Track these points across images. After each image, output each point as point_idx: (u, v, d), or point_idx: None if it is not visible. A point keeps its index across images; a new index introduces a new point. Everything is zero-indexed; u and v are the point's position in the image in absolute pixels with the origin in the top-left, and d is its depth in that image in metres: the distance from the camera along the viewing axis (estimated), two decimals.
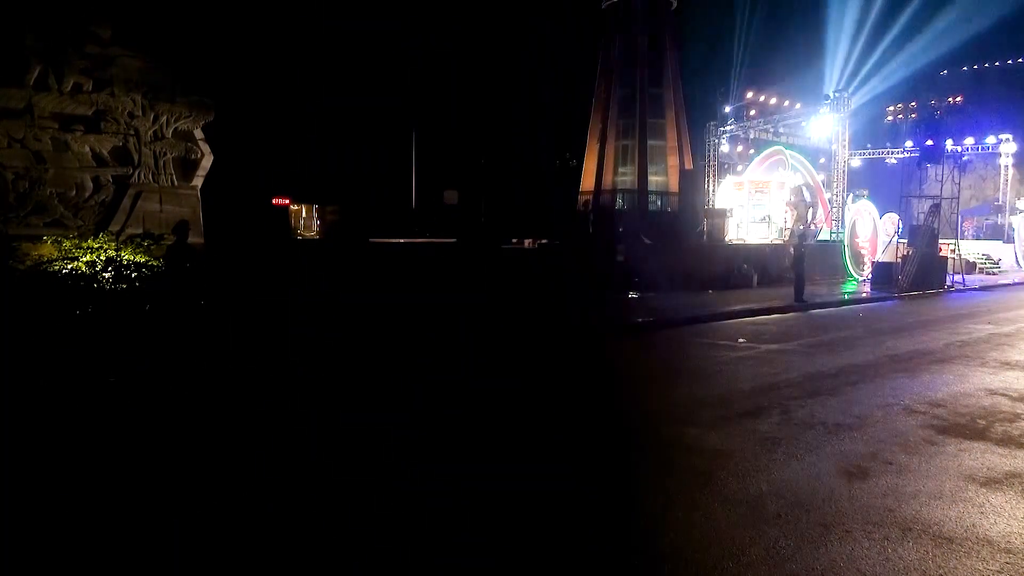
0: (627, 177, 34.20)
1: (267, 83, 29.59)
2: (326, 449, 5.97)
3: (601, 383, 9.01)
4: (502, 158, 39.09)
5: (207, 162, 14.53)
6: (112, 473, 5.32)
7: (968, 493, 4.98)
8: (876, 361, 10.17)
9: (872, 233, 26.05)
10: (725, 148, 36.73)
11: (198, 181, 14.51)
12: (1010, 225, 35.06)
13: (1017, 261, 33.37)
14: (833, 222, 30.49)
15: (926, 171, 26.74)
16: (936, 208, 23.10)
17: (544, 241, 23.24)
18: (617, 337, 12.64)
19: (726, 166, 36.47)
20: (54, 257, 11.44)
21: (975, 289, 23.77)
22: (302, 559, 3.98)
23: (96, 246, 11.82)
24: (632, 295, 17.90)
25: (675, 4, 34.21)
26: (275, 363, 9.20)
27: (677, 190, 31.83)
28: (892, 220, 26.78)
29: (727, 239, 26.30)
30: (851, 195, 30.78)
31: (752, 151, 36.85)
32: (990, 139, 34.48)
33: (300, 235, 30.66)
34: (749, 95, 37.24)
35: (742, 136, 36.78)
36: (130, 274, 11.15)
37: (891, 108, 56.54)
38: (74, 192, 12.87)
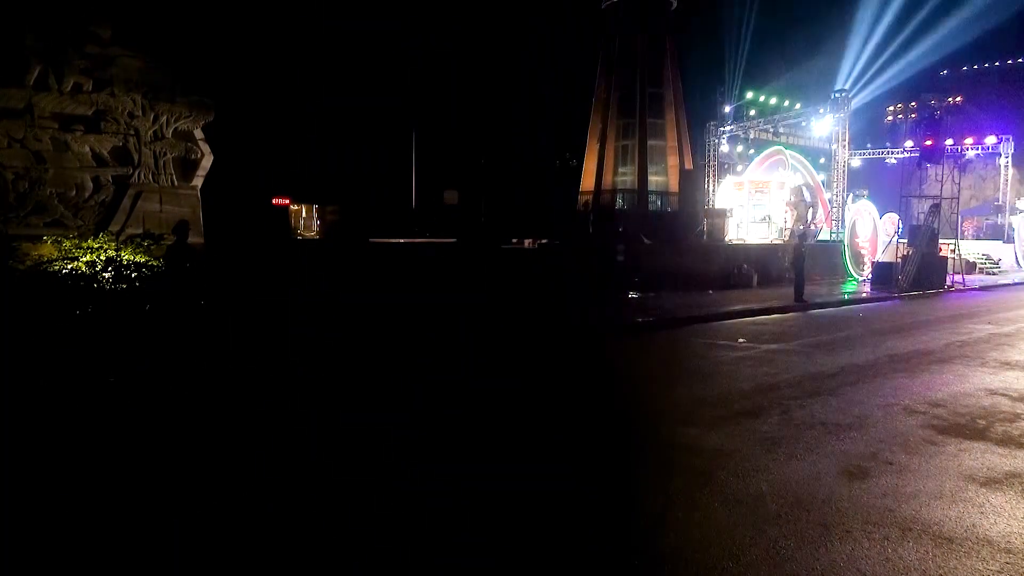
0: (627, 177, 34.18)
1: (267, 83, 29.60)
2: (326, 449, 5.97)
3: (601, 383, 9.01)
4: (502, 158, 39.10)
5: (207, 162, 14.54)
6: (112, 473, 5.32)
7: (968, 493, 4.98)
8: (876, 361, 10.17)
9: (872, 233, 26.06)
10: (725, 148, 36.74)
11: (198, 181, 14.51)
12: (1010, 225, 35.07)
13: (1017, 261, 33.37)
14: (833, 222, 30.51)
15: (926, 171, 26.75)
16: (936, 208, 23.10)
17: (544, 241, 23.24)
18: (617, 337, 12.64)
19: (726, 166, 36.49)
20: (54, 257, 11.44)
21: (975, 289, 23.77)
22: (302, 559, 3.98)
23: (96, 246, 11.83)
24: (632, 295, 17.89)
25: (675, 4, 34.19)
26: (275, 363, 9.20)
27: (677, 190, 31.82)
28: (892, 220, 26.78)
29: (727, 239, 26.30)
30: (851, 195, 30.81)
31: (752, 151, 36.87)
32: (990, 139, 34.48)
33: (300, 235, 30.66)
34: (749, 95, 37.22)
35: (742, 136, 36.79)
36: (130, 274, 11.15)
37: (891, 108, 56.57)
38: (74, 192, 12.88)
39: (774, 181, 29.25)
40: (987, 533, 4.33)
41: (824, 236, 29.97)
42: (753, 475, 5.27)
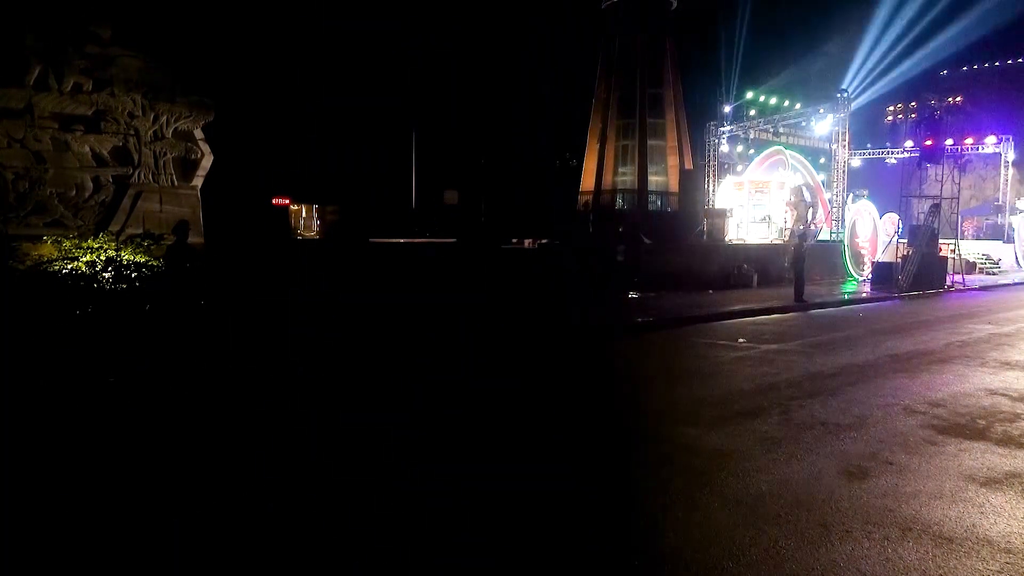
0: (627, 177, 34.19)
1: (267, 83, 29.61)
2: (326, 449, 5.97)
3: (601, 383, 9.01)
4: (502, 158, 39.10)
5: (207, 162, 14.54)
6: (112, 473, 5.32)
7: (968, 493, 4.98)
8: (876, 361, 10.17)
9: (872, 233, 26.06)
10: (725, 148, 36.72)
11: (198, 181, 14.51)
12: (1010, 225, 35.06)
13: (1017, 261, 33.37)
14: (833, 222, 30.50)
15: (926, 171, 26.73)
16: (936, 208, 23.09)
17: (544, 241, 23.24)
18: (617, 337, 12.64)
19: (726, 166, 36.47)
20: (54, 257, 11.44)
21: (975, 289, 23.77)
22: (302, 559, 3.98)
23: (96, 246, 11.83)
24: (632, 295, 17.89)
25: (675, 4, 34.20)
26: (275, 363, 9.21)
27: (677, 190, 31.84)
28: (892, 220, 26.78)
29: (727, 239, 26.29)
30: (851, 195, 30.78)
31: (752, 151, 36.85)
32: (990, 139, 34.47)
33: (300, 235, 30.67)
34: (749, 95, 37.19)
35: (742, 136, 36.77)
36: (130, 274, 11.15)
37: (891, 108, 56.53)
38: (74, 192, 12.88)
39: (774, 181, 29.24)
40: (987, 533, 4.33)
41: (824, 236, 29.96)
42: (753, 475, 5.27)
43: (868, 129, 46.74)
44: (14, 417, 6.49)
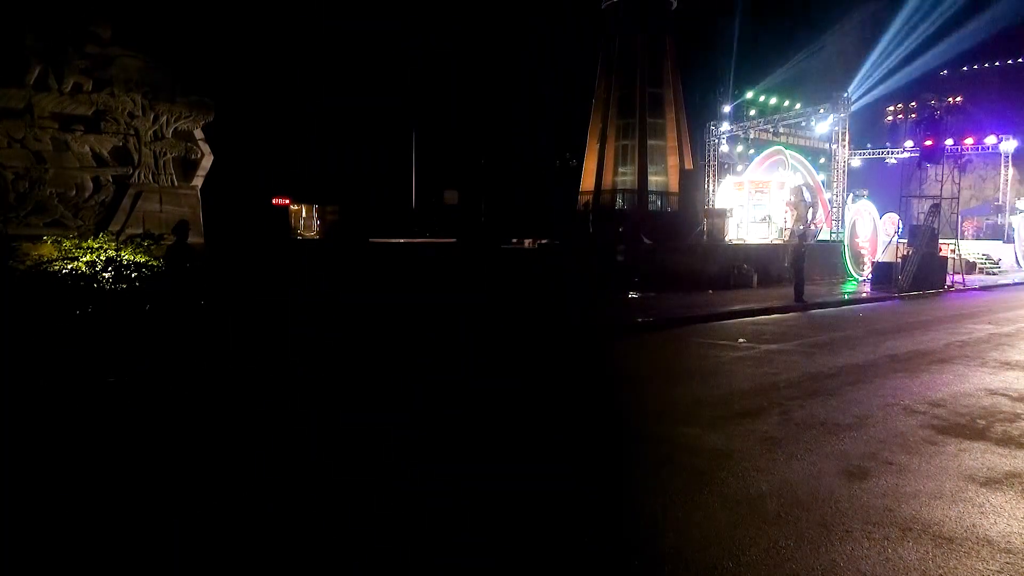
0: (627, 177, 34.19)
1: (267, 83, 29.62)
2: (326, 449, 5.97)
3: (601, 383, 9.01)
4: (502, 158, 39.11)
5: (207, 162, 14.54)
6: (112, 473, 5.32)
7: (968, 493, 4.98)
8: (876, 361, 10.17)
9: (872, 233, 26.06)
10: (725, 148, 36.74)
11: (198, 181, 14.52)
12: (1010, 225, 35.06)
13: (1017, 261, 33.37)
14: (833, 222, 30.50)
15: (926, 171, 26.76)
16: (936, 208, 23.09)
17: (544, 241, 23.25)
18: (617, 337, 12.64)
19: (726, 166, 36.49)
20: (54, 257, 11.44)
21: (975, 289, 23.77)
22: (302, 559, 3.98)
23: (96, 246, 11.83)
24: (632, 295, 17.90)
25: (675, 4, 34.19)
26: (275, 363, 9.21)
27: (677, 190, 31.83)
28: (892, 220, 26.77)
29: (727, 239, 26.31)
30: (851, 195, 30.78)
31: (752, 151, 36.87)
32: (990, 139, 34.48)
33: (300, 235, 30.68)
34: (749, 95, 37.24)
35: (742, 136, 36.79)
36: (130, 274, 11.15)
37: (891, 108, 56.52)
38: (74, 192, 12.88)
39: (774, 181, 29.25)
40: (987, 533, 4.33)
41: (824, 236, 29.97)
42: (753, 475, 5.27)
43: (868, 129, 46.74)
44: (14, 417, 6.49)
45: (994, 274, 30.51)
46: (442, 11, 37.78)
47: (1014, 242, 34.08)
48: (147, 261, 11.75)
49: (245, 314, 11.36)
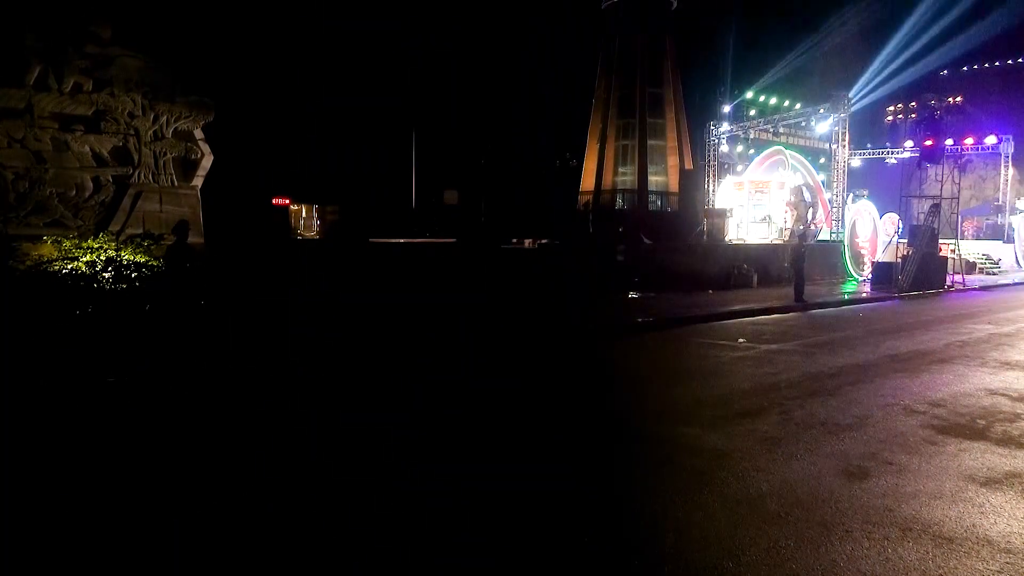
0: (627, 177, 34.17)
1: (267, 83, 29.61)
2: (326, 449, 5.97)
3: (601, 383, 9.01)
4: (502, 158, 39.09)
5: (207, 162, 14.54)
6: (112, 473, 5.32)
7: (968, 493, 4.98)
8: (876, 361, 10.17)
9: (872, 233, 26.06)
10: (725, 148, 36.74)
11: (198, 181, 14.52)
12: (1010, 225, 35.07)
13: (1017, 261, 33.37)
14: (833, 222, 30.50)
15: (926, 171, 26.75)
16: (936, 208, 23.09)
17: (544, 241, 23.25)
18: (617, 337, 12.64)
19: (726, 166, 36.49)
20: (54, 257, 11.44)
21: (975, 289, 23.77)
22: (302, 559, 3.98)
23: (96, 246, 11.83)
24: (632, 295, 17.90)
25: (675, 4, 34.18)
26: (275, 363, 9.21)
27: (677, 190, 31.83)
28: (892, 220, 26.78)
29: (727, 239, 26.31)
30: (851, 195, 30.79)
31: (752, 151, 36.88)
32: (990, 139, 34.49)
33: (300, 235, 30.69)
34: (749, 95, 37.26)
35: (742, 136, 36.80)
36: (130, 274, 11.15)
37: (891, 108, 56.53)
38: (74, 192, 12.88)
39: (774, 181, 29.25)
40: (987, 533, 4.33)
41: (824, 236, 29.97)
42: (753, 475, 5.27)
43: (868, 129, 46.77)
44: (14, 417, 6.49)
45: (994, 274, 30.51)
46: (442, 11, 37.81)
47: (1014, 242, 34.09)
48: (147, 261, 11.75)
49: (245, 314, 11.36)
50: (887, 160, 38.32)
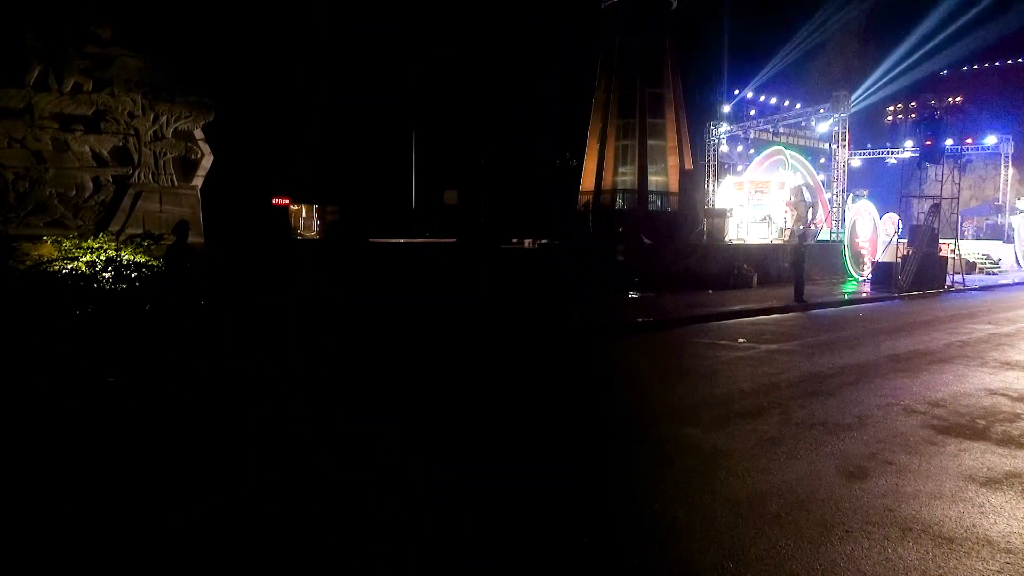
0: (627, 177, 34.16)
1: (267, 83, 29.61)
2: (326, 449, 5.97)
3: (601, 383, 9.01)
4: (502, 158, 39.09)
5: (207, 162, 14.55)
6: (111, 473, 5.32)
7: (968, 493, 4.98)
8: (876, 361, 10.17)
9: (872, 233, 26.06)
10: (725, 148, 36.76)
11: (198, 181, 14.52)
12: (1010, 225, 35.07)
13: (1017, 261, 33.37)
14: (833, 222, 30.51)
15: (926, 171, 26.72)
16: (936, 208, 23.09)
17: (544, 241, 23.26)
18: (617, 337, 12.64)
19: (726, 166, 36.51)
20: (54, 257, 11.45)
21: (975, 289, 23.76)
22: (302, 559, 3.98)
23: (96, 246, 11.83)
24: (632, 295, 17.90)
25: (675, 4, 34.18)
26: (275, 363, 9.20)
27: (677, 190, 31.83)
28: (892, 220, 26.77)
29: (727, 239, 26.32)
30: (851, 195, 30.79)
31: (752, 151, 36.90)
32: (990, 139, 34.50)
33: (300, 235, 30.72)
34: (749, 95, 37.28)
35: (742, 136, 36.81)
36: (130, 274, 11.16)
37: (891, 108, 56.54)
38: (74, 192, 12.88)
39: (774, 181, 29.26)
40: (987, 533, 4.33)
41: (824, 236, 29.98)
42: (753, 475, 5.27)
43: (868, 129, 46.72)
44: (14, 417, 6.49)
45: (994, 274, 30.52)
46: (442, 11, 37.81)
47: (1014, 242, 34.09)
48: (147, 261, 11.75)
49: (245, 314, 11.36)
50: (887, 160, 38.33)
